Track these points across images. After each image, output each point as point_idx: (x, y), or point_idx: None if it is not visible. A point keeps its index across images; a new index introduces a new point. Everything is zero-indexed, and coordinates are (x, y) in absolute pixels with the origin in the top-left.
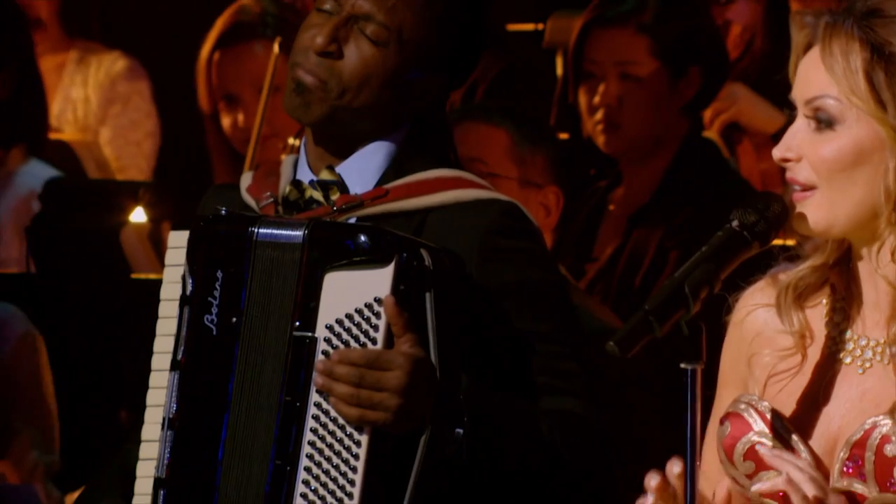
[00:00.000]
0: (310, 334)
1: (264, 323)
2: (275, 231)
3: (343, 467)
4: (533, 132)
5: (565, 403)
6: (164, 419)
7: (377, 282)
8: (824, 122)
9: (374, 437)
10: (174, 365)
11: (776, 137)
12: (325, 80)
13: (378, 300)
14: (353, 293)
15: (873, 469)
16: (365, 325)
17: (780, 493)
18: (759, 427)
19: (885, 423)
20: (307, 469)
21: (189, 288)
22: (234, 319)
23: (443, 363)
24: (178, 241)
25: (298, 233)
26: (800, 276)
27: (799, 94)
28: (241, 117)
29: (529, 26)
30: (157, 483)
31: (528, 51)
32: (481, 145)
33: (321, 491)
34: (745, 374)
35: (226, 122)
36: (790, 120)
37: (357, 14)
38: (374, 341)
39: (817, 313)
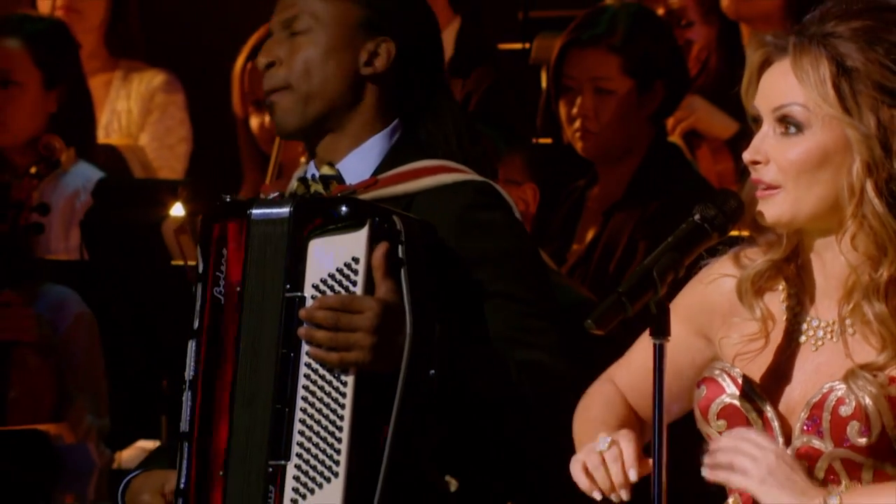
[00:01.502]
0: (299, 294)
1: (261, 289)
2: (266, 210)
3: (333, 405)
4: (511, 137)
5: (535, 355)
6: (186, 381)
7: (354, 243)
8: (792, 126)
9: (358, 378)
10: (192, 334)
11: (730, 143)
12: (281, 86)
13: (356, 259)
14: (334, 255)
15: (829, 427)
16: (345, 282)
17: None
18: (731, 390)
19: (840, 388)
20: (302, 410)
21: (201, 266)
22: (238, 289)
23: (415, 311)
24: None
25: (286, 209)
26: (757, 270)
27: (765, 103)
28: (267, 119)
29: (518, 45)
30: (182, 436)
31: (516, 66)
32: None
33: (316, 427)
34: (702, 322)
35: (254, 123)
36: (743, 128)
37: (281, 23)
38: (353, 292)
39: (775, 297)
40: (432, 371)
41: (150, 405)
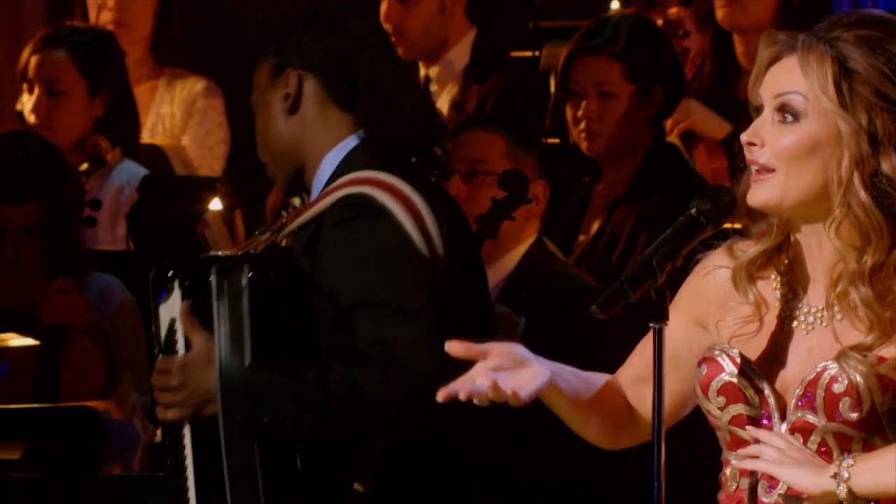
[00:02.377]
0: (157, 354)
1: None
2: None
3: (178, 450)
4: (524, 137)
5: (398, 354)
6: None
7: (172, 307)
8: (790, 114)
9: (192, 427)
10: None
11: (723, 143)
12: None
13: (174, 319)
14: (165, 319)
15: (823, 403)
16: (171, 342)
17: (747, 420)
18: (730, 369)
19: (833, 367)
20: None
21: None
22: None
23: (224, 351)
24: None
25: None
26: (750, 258)
27: (769, 90)
28: None
29: (528, 53)
30: None
31: (527, 73)
32: (484, 149)
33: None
34: (699, 312)
35: None
36: (736, 129)
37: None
38: (176, 354)
39: (768, 285)
40: (266, 419)
41: None
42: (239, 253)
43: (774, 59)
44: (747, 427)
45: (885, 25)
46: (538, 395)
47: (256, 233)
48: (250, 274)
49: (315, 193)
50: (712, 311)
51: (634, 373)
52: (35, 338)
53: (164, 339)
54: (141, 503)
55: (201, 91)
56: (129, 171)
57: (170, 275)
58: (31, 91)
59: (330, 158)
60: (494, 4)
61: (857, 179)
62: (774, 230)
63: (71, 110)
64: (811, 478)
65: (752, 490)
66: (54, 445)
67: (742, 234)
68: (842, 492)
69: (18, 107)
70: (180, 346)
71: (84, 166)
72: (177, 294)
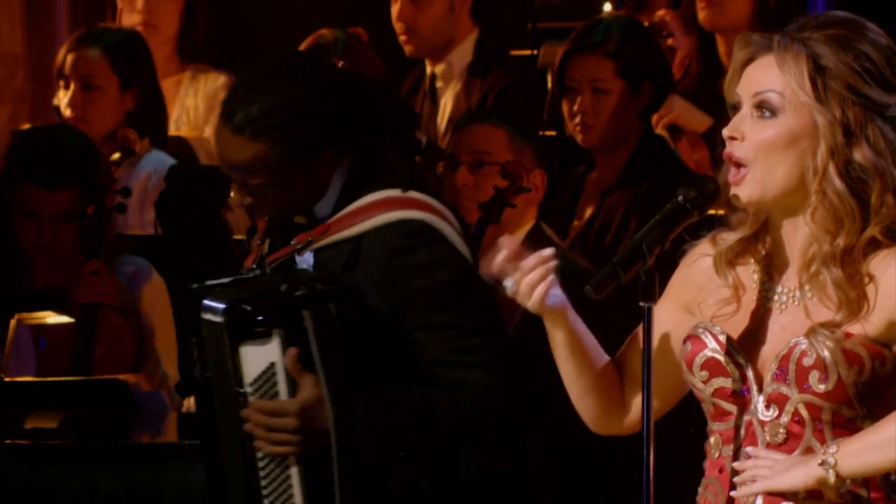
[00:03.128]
0: (242, 390)
1: (220, 379)
2: (207, 313)
3: (284, 481)
4: (523, 130)
5: (469, 375)
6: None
7: (268, 352)
8: (768, 110)
9: (299, 460)
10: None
11: (706, 135)
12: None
13: (273, 364)
14: (257, 362)
15: (794, 376)
16: (269, 382)
17: (729, 392)
18: (712, 345)
19: (803, 342)
20: (265, 487)
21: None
22: (207, 374)
23: (336, 392)
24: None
25: (219, 318)
26: (729, 245)
27: (746, 89)
28: None
29: (527, 52)
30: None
31: (526, 70)
32: (487, 141)
33: (274, 499)
34: (686, 299)
35: None
36: (717, 123)
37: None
38: (277, 394)
39: (747, 270)
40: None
41: None
42: (316, 286)
43: (749, 59)
44: (734, 464)
45: (850, 25)
46: (550, 309)
47: (260, 242)
48: (335, 310)
49: (325, 213)
50: (697, 297)
51: (627, 368)
52: (70, 316)
53: (260, 380)
54: (168, 469)
55: (222, 85)
56: (157, 161)
57: (261, 319)
58: (66, 87)
59: (334, 185)
60: (496, 6)
61: (832, 168)
62: (750, 219)
63: (104, 104)
64: (802, 472)
65: (734, 457)
66: (88, 415)
67: (724, 222)
68: (831, 477)
69: (55, 101)
70: (282, 388)
71: (115, 156)
72: (276, 340)
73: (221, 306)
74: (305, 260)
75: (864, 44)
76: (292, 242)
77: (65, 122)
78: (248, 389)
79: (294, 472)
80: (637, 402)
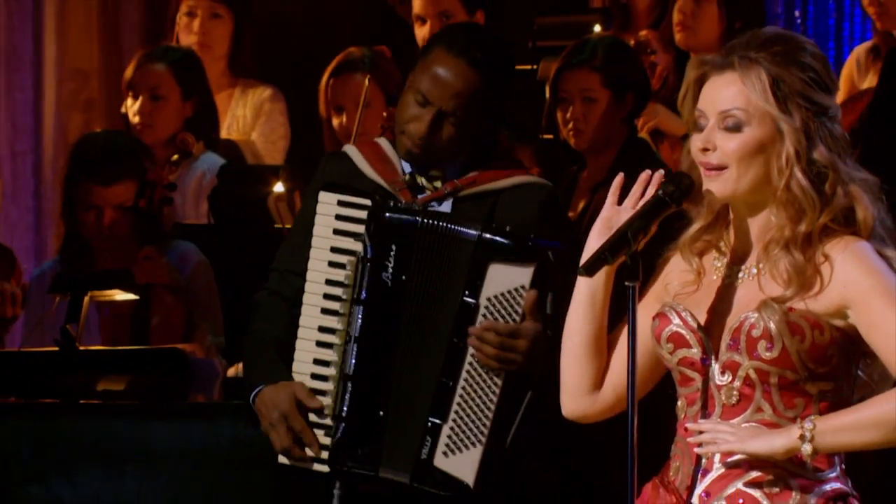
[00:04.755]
0: (473, 301)
1: (440, 287)
2: (445, 224)
3: (486, 392)
4: (521, 134)
5: None
6: (351, 337)
7: (523, 275)
8: (733, 127)
9: (506, 377)
10: (358, 301)
11: (684, 138)
12: (427, 150)
13: (523, 286)
14: (505, 280)
15: (745, 345)
16: (512, 303)
17: (691, 361)
18: (676, 321)
19: (753, 316)
20: (462, 388)
21: (369, 251)
22: (404, 277)
23: (553, 333)
24: (326, 199)
25: (473, 232)
26: (691, 234)
27: (712, 107)
28: (344, 120)
29: (528, 67)
30: (345, 377)
31: (527, 83)
32: None
33: (470, 404)
34: (658, 290)
35: (335, 123)
36: (692, 127)
37: (445, 111)
38: (515, 314)
39: (709, 258)
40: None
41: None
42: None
43: (701, 77)
44: (688, 425)
45: (789, 41)
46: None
47: (403, 182)
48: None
49: (453, 169)
50: (666, 278)
51: (614, 347)
52: (134, 293)
53: (502, 298)
54: (219, 426)
55: (268, 97)
56: (210, 161)
57: (526, 247)
58: (135, 97)
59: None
60: (501, 28)
61: (796, 168)
62: (705, 210)
63: (168, 112)
64: (775, 441)
65: (696, 417)
66: (151, 379)
67: (682, 218)
68: (808, 449)
69: (123, 109)
70: (514, 315)
71: (175, 157)
72: (531, 269)
73: (471, 227)
74: (443, 207)
75: (805, 56)
76: (440, 186)
77: (127, 128)
78: (483, 302)
79: (498, 386)
80: (612, 383)
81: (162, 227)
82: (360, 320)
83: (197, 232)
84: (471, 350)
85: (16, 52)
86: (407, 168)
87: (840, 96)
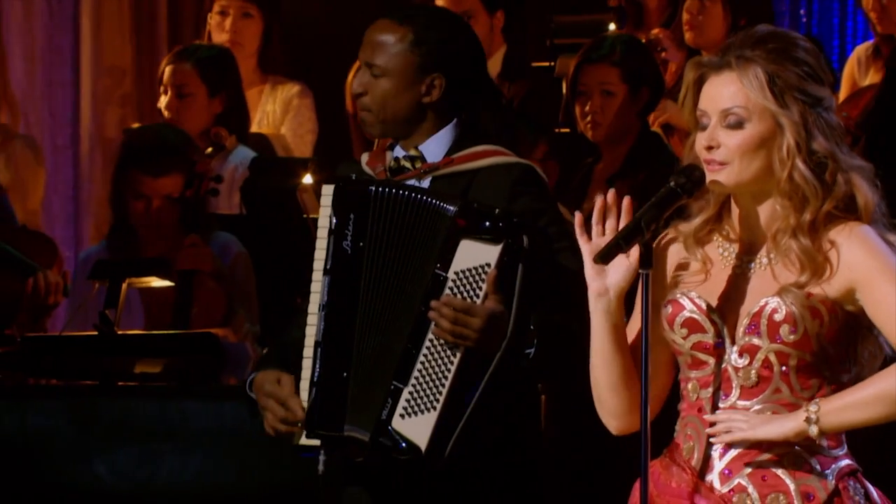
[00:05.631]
0: (443, 274)
1: (410, 258)
2: (405, 193)
3: (444, 364)
4: (539, 128)
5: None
6: (320, 305)
7: (490, 254)
8: (735, 124)
9: (464, 353)
10: (325, 272)
11: None
12: (365, 109)
13: (488, 264)
14: (473, 257)
15: (766, 329)
16: (478, 279)
17: (705, 345)
18: (690, 307)
19: (773, 301)
20: (424, 356)
21: (333, 223)
22: (361, 244)
23: (518, 313)
24: (327, 192)
25: (450, 207)
26: (694, 227)
27: (713, 106)
28: None
29: (546, 63)
30: (316, 344)
31: (545, 78)
32: None
33: (429, 372)
34: (659, 277)
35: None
36: (693, 126)
37: (364, 63)
38: (477, 292)
39: (713, 247)
40: (530, 350)
41: (287, 317)
42: (510, 217)
43: (699, 78)
44: (705, 416)
45: (782, 38)
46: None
47: (385, 168)
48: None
49: (428, 152)
50: (671, 271)
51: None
52: (171, 280)
53: (468, 274)
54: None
55: (296, 93)
56: (242, 154)
57: (498, 225)
58: (165, 93)
59: (445, 132)
60: (521, 26)
61: (798, 159)
62: (711, 204)
63: (195, 108)
64: (785, 426)
65: (712, 398)
66: (184, 362)
67: (683, 210)
68: (814, 430)
69: (159, 105)
70: (478, 291)
71: (209, 150)
72: (500, 248)
73: (454, 204)
74: (422, 185)
75: (798, 51)
76: (417, 166)
77: (167, 121)
78: (451, 276)
79: (456, 357)
80: (654, 394)
81: (207, 216)
82: (326, 288)
83: (230, 221)
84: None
85: (57, 49)
86: (401, 154)
87: (843, 93)
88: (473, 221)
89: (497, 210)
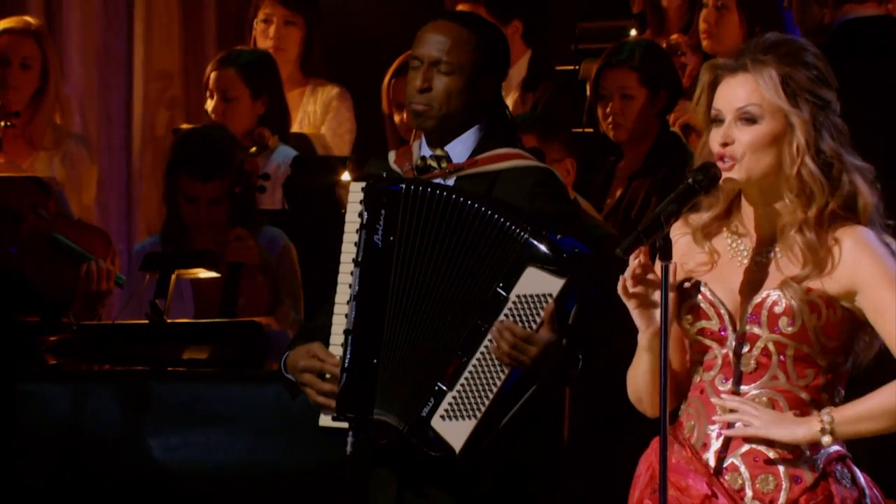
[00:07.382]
0: (504, 294)
1: (425, 245)
2: (436, 192)
3: (490, 378)
4: (550, 130)
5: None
6: (351, 295)
7: (553, 285)
8: (748, 120)
9: (511, 370)
10: (356, 263)
11: None
12: (428, 104)
13: (550, 295)
14: (536, 285)
15: (766, 319)
16: (534, 307)
17: (709, 331)
18: (696, 296)
19: (775, 293)
20: (473, 366)
21: (365, 218)
22: (392, 238)
23: (569, 343)
24: (355, 189)
25: (524, 235)
26: (703, 222)
27: (728, 105)
28: (405, 117)
29: (570, 67)
30: (346, 332)
31: (570, 82)
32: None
33: (475, 382)
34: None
35: (397, 119)
36: (706, 126)
37: (430, 59)
38: (535, 320)
39: (720, 239)
40: (577, 365)
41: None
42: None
43: (714, 80)
44: (723, 396)
45: (792, 43)
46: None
47: (412, 167)
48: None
49: (453, 152)
50: (680, 261)
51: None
52: (217, 272)
53: (528, 299)
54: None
55: (335, 95)
56: (284, 153)
57: (564, 257)
58: (211, 97)
59: (471, 133)
60: (546, 32)
61: (807, 157)
62: (721, 200)
63: (239, 111)
64: (797, 432)
65: (713, 381)
66: (230, 348)
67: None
68: (827, 439)
69: (206, 107)
70: (536, 318)
71: (253, 149)
72: (563, 282)
73: (525, 229)
74: (447, 184)
75: (808, 56)
76: (443, 166)
77: (215, 123)
78: (513, 297)
79: (504, 373)
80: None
81: (254, 212)
82: (358, 279)
83: (273, 216)
84: (489, 336)
85: (112, 54)
86: (427, 153)
87: None
88: (542, 251)
89: (565, 246)
